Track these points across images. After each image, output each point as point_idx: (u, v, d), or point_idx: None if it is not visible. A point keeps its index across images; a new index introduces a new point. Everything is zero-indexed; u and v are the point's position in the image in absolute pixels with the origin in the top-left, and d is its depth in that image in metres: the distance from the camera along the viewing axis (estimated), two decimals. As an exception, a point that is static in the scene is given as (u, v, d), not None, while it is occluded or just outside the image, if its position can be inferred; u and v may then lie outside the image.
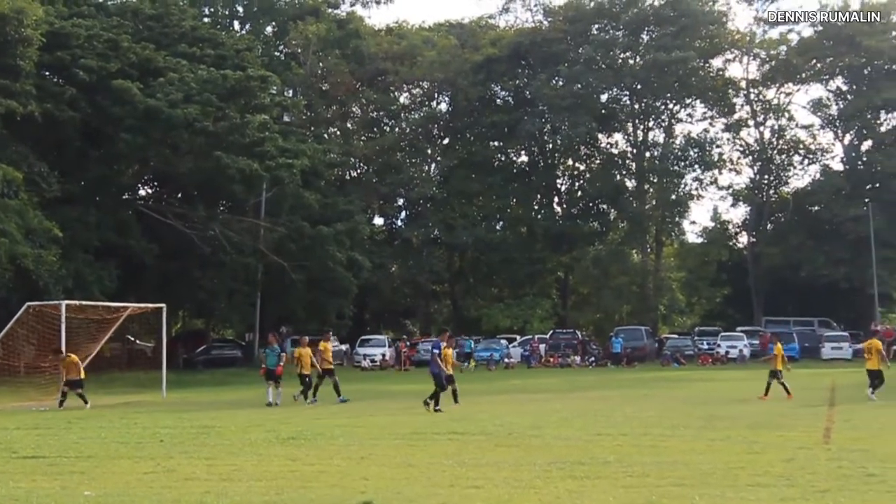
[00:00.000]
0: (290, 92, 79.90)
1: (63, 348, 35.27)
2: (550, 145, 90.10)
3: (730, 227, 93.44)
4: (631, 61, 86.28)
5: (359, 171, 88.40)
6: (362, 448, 18.84)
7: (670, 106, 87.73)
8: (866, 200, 76.26)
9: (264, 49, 77.27)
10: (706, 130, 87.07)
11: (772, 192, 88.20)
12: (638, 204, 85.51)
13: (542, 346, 69.48)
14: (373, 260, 72.48)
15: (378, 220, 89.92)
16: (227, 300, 65.87)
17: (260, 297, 66.31)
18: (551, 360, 67.12)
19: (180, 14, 63.73)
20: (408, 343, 70.72)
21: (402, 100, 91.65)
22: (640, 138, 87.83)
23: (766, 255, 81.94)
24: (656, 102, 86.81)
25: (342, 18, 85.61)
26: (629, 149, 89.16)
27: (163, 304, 42.95)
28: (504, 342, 72.12)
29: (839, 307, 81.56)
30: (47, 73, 55.30)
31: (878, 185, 78.78)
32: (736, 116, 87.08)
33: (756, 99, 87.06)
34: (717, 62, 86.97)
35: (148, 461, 17.33)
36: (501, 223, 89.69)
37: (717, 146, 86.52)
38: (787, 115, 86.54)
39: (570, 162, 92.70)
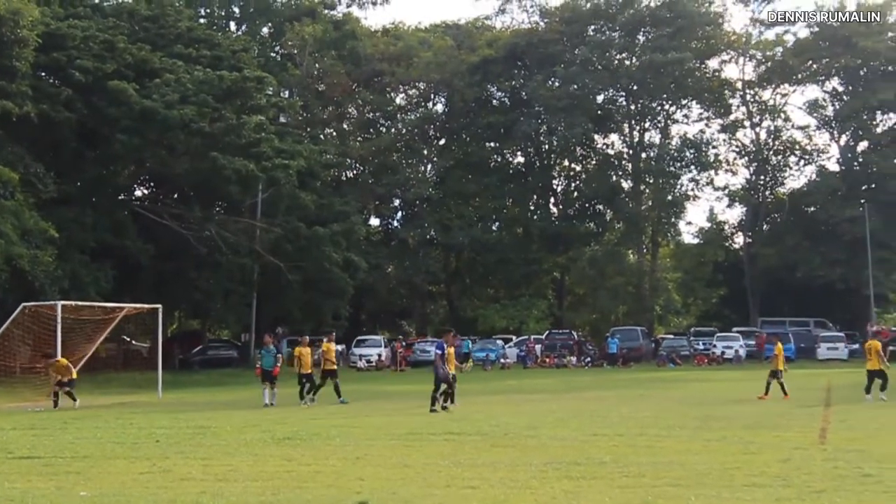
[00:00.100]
0: (287, 93, 79.92)
1: (59, 351, 35.27)
2: (546, 146, 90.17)
3: (726, 227, 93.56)
4: (627, 62, 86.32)
5: (355, 171, 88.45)
6: (358, 448, 18.84)
7: (666, 107, 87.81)
8: (862, 201, 76.39)
9: (260, 50, 77.31)
10: (702, 131, 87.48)
11: (768, 192, 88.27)
12: (634, 205, 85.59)
13: (538, 347, 69.52)
14: (369, 260, 72.51)
15: (374, 221, 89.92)
16: (223, 301, 65.85)
17: (256, 297, 66.29)
18: (547, 360, 67.16)
19: (176, 15, 63.70)
20: (404, 343, 70.80)
21: (398, 101, 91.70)
22: (637, 139, 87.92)
23: (762, 256, 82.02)
24: (652, 103, 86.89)
25: (338, 19, 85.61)
26: (625, 149, 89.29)
27: (159, 305, 42.92)
28: (500, 342, 72.17)
29: (835, 308, 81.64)
30: (43, 74, 55.26)
31: (873, 185, 78.84)
32: (732, 117, 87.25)
33: (752, 100, 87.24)
34: (713, 63, 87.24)
35: (144, 461, 17.32)
36: (497, 224, 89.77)
37: (713, 147, 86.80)
38: (783, 115, 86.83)
39: (566, 163, 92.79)
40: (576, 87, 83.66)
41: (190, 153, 56.94)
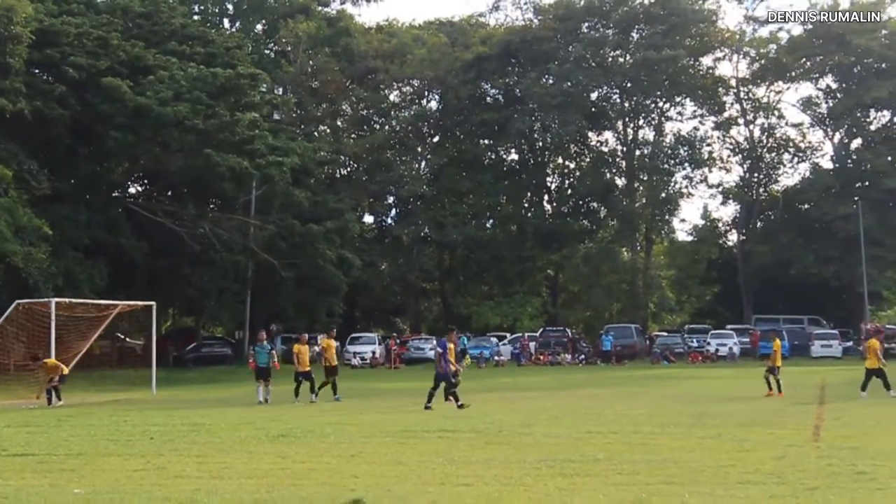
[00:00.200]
0: (280, 90, 79.78)
1: (52, 349, 35.30)
2: (540, 143, 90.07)
3: (720, 225, 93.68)
4: (621, 59, 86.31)
5: (349, 169, 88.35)
6: (353, 446, 18.84)
7: (660, 104, 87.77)
8: (856, 199, 76.43)
9: (254, 47, 77.09)
10: (696, 129, 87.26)
11: (762, 190, 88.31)
12: (628, 202, 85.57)
13: (532, 344, 69.48)
14: (363, 258, 72.43)
15: (368, 218, 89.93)
16: (216, 298, 65.84)
17: (250, 294, 66.27)
18: (541, 357, 67.16)
19: (170, 12, 63.58)
20: (398, 341, 70.74)
21: (392, 98, 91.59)
22: (630, 136, 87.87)
23: (756, 254, 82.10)
24: (646, 101, 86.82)
25: (332, 16, 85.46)
26: (619, 147, 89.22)
27: (153, 302, 42.99)
28: (494, 340, 72.15)
29: (829, 305, 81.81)
30: (37, 71, 55.15)
31: (867, 183, 78.91)
32: (726, 115, 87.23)
33: (746, 97, 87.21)
34: (706, 60, 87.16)
35: (138, 459, 17.31)
36: (491, 221, 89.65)
37: (707, 144, 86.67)
38: (776, 113, 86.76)
39: (560, 160, 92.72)
40: (570, 84, 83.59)
41: (184, 150, 56.89)
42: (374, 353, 67.94)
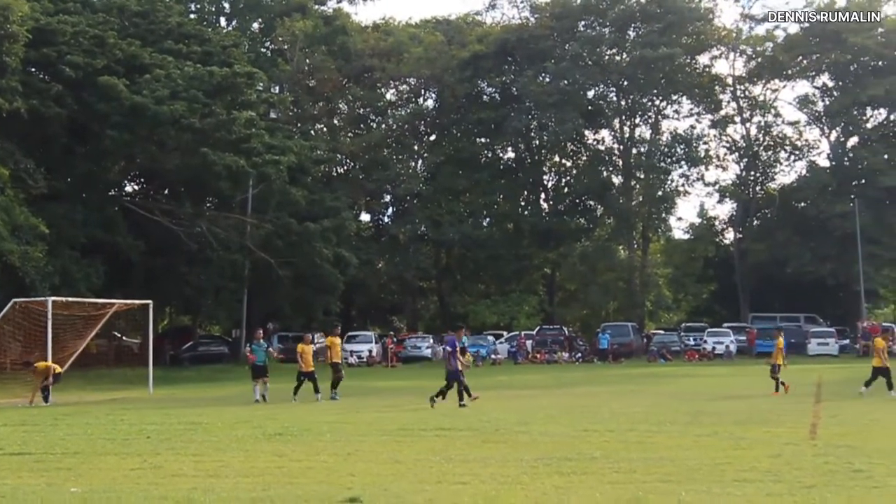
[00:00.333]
0: (277, 88, 79.73)
1: (49, 347, 35.31)
2: (537, 142, 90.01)
3: (716, 223, 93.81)
4: (617, 58, 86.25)
5: (345, 167, 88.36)
6: (349, 444, 18.84)
7: (657, 102, 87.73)
8: (852, 197, 76.45)
9: (251, 45, 77.13)
10: (693, 127, 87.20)
11: (758, 188, 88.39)
12: (624, 200, 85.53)
13: (529, 343, 69.59)
14: (359, 256, 72.37)
15: (365, 217, 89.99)
16: (213, 297, 65.87)
17: (247, 293, 66.25)
18: (538, 356, 67.22)
19: (166, 10, 63.52)
20: (395, 339, 70.82)
21: (388, 96, 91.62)
22: (627, 135, 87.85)
23: (753, 252, 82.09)
24: (643, 99, 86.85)
25: (329, 15, 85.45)
26: (616, 145, 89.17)
27: (149, 301, 43.04)
28: (491, 338, 72.22)
29: (825, 303, 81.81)
30: (33, 70, 55.10)
31: (864, 181, 78.89)
32: (722, 113, 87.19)
33: (742, 95, 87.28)
34: (703, 59, 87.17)
35: (135, 457, 17.31)
36: (488, 220, 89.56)
37: (704, 142, 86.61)
38: (773, 111, 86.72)
39: (556, 158, 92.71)
40: (566, 82, 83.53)
41: (180, 149, 56.84)
42: (370, 351, 67.99)
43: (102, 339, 54.98)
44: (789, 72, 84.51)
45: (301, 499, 12.93)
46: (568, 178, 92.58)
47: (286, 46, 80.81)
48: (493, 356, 67.30)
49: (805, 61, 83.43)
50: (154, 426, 23.30)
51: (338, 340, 33.98)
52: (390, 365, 64.52)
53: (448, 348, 29.18)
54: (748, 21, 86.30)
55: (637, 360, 66.59)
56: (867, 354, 62.82)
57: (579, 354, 68.50)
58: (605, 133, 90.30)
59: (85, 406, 32.20)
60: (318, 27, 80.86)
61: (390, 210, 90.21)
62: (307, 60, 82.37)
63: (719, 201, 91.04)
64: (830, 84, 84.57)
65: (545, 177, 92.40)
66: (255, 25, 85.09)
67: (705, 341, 70.03)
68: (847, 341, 70.20)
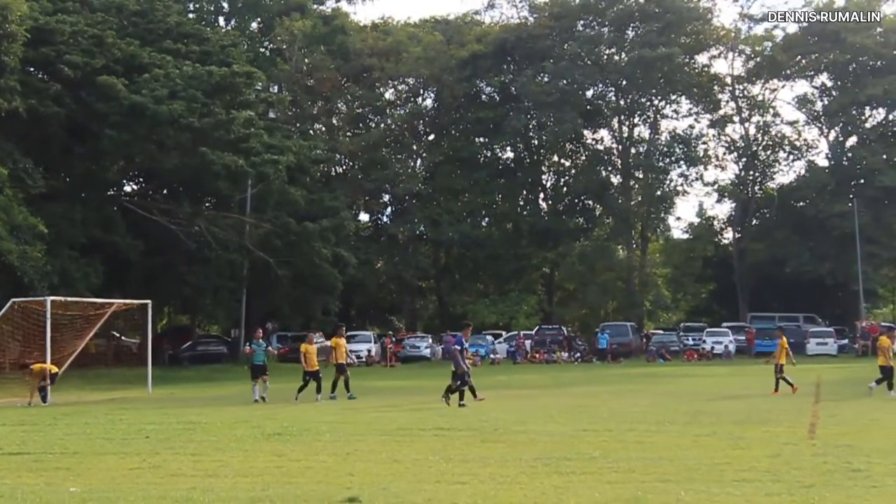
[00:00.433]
0: (276, 88, 79.73)
1: (48, 350, 35.32)
2: (536, 141, 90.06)
3: (715, 223, 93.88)
4: (616, 57, 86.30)
5: (344, 167, 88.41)
6: (348, 444, 18.83)
7: (655, 102, 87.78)
8: (851, 196, 76.56)
9: (249, 45, 77.04)
10: (691, 126, 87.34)
11: (757, 188, 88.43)
12: (623, 200, 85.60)
13: (528, 342, 69.63)
14: (358, 256, 72.35)
15: (364, 217, 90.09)
16: (212, 296, 65.85)
17: (245, 293, 66.26)
18: (537, 356, 67.25)
19: (165, 10, 63.45)
20: (393, 339, 70.82)
21: (387, 96, 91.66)
22: (626, 134, 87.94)
23: (752, 251, 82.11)
24: (641, 98, 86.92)
25: (327, 14, 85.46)
26: (615, 145, 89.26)
27: (148, 301, 43.01)
28: (490, 338, 72.23)
29: (824, 303, 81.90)
30: (32, 69, 55.06)
31: (862, 180, 78.92)
32: (721, 112, 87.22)
33: (741, 95, 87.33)
34: (702, 58, 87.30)
35: (133, 457, 17.31)
36: (487, 219, 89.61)
37: (703, 142, 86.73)
38: (772, 111, 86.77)
39: (555, 158, 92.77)
40: (565, 82, 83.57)
41: (179, 149, 56.80)
42: (369, 351, 67.96)
43: (101, 338, 54.96)
44: (788, 71, 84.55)
45: (300, 498, 12.93)
46: (567, 177, 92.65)
47: (285, 46, 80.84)
48: (491, 356, 67.31)
49: (804, 61, 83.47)
50: (153, 426, 23.30)
51: (343, 341, 33.96)
52: (389, 365, 64.54)
53: (457, 347, 29.15)
54: (747, 21, 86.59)
55: (636, 360, 66.63)
56: (866, 354, 63.10)
57: (578, 354, 68.49)
58: (603, 133, 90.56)
59: (84, 406, 32.21)
60: (316, 27, 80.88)
61: (389, 210, 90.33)
62: (306, 60, 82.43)
63: (718, 201, 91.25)
64: (829, 84, 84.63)
65: (544, 176, 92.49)
66: (254, 25, 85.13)
67: (704, 341, 70.06)
68: (846, 341, 70.24)
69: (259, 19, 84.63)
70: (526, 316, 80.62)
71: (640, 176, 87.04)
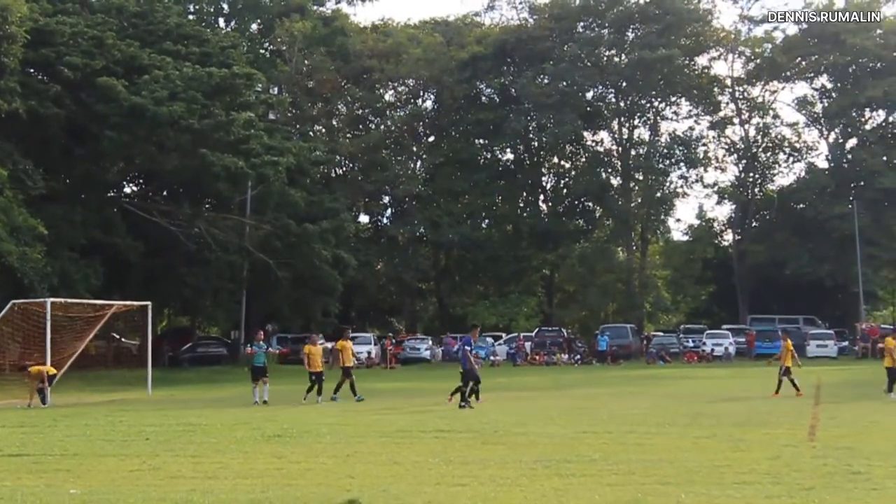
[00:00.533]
0: (276, 89, 79.75)
1: (48, 352, 35.33)
2: (536, 143, 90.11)
3: (715, 224, 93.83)
4: (616, 59, 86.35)
5: (344, 168, 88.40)
6: (348, 446, 18.85)
7: (655, 104, 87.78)
8: (851, 198, 76.58)
9: (249, 46, 77.09)
10: (691, 128, 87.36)
11: (757, 189, 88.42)
12: (623, 202, 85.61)
13: (528, 344, 69.61)
14: (358, 258, 72.31)
15: (363, 218, 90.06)
16: (212, 298, 65.81)
17: (245, 294, 66.24)
18: (537, 357, 67.25)
19: (165, 11, 63.49)
20: (393, 341, 70.80)
21: (387, 97, 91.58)
22: (626, 136, 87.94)
23: (752, 253, 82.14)
24: (641, 100, 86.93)
25: (327, 16, 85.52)
26: (614, 146, 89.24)
27: (148, 302, 43.00)
28: (490, 340, 72.15)
29: (824, 305, 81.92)
30: (32, 71, 55.04)
31: (862, 182, 78.84)
32: (721, 114, 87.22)
33: (741, 97, 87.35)
34: (702, 60, 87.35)
35: (133, 459, 17.32)
36: (487, 221, 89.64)
37: (703, 144, 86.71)
38: (772, 112, 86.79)
39: (555, 160, 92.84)
40: (565, 83, 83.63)
41: (179, 150, 56.77)
42: (369, 353, 67.91)
43: (101, 340, 54.96)
44: (788, 73, 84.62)
45: (300, 500, 12.94)
46: (567, 179, 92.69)
47: (285, 47, 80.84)
48: (491, 358, 67.27)
49: (804, 63, 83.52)
50: (153, 427, 23.31)
51: (349, 345, 33.97)
52: (389, 366, 64.50)
53: (467, 348, 29.21)
54: (747, 22, 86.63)
55: (636, 362, 66.60)
56: (866, 356, 63.15)
57: (578, 356, 68.48)
58: (603, 134, 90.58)
59: (84, 407, 32.21)
60: (316, 28, 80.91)
61: (389, 211, 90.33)
62: (306, 61, 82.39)
63: (718, 203, 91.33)
64: (829, 85, 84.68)
65: (544, 178, 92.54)
66: (254, 26, 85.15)
67: (704, 343, 69.99)
68: (846, 343, 70.25)
69: (259, 21, 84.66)
70: (526, 318, 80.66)
71: (640, 178, 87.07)
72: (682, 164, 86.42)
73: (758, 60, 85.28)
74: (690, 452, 17.19)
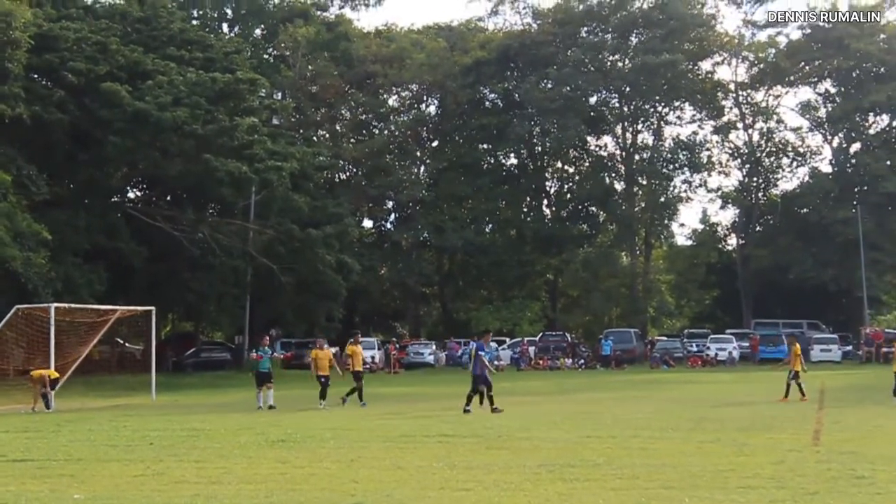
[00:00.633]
0: (279, 95, 79.87)
1: (51, 357, 35.37)
2: (539, 148, 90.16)
3: (719, 229, 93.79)
4: (620, 64, 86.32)
5: (348, 173, 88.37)
6: (352, 451, 18.83)
7: (659, 108, 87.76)
8: (855, 203, 76.59)
9: (253, 52, 77.23)
10: (695, 133, 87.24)
11: (760, 194, 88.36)
12: (627, 206, 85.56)
13: (532, 349, 69.53)
14: (362, 263, 72.28)
15: (367, 223, 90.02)
16: (216, 303, 65.86)
17: (249, 299, 66.30)
18: (541, 362, 67.19)
19: (169, 17, 63.62)
20: (397, 346, 70.75)
21: (391, 102, 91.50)
22: (629, 141, 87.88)
23: (755, 258, 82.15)
24: (645, 105, 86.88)
25: (331, 21, 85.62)
26: (618, 151, 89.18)
27: (152, 307, 43.00)
28: (493, 345, 71.94)
29: (828, 309, 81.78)
30: (36, 76, 55.19)
31: (866, 187, 78.91)
32: (725, 119, 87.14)
33: (745, 101, 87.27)
34: (705, 65, 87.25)
35: (137, 464, 17.31)
36: (491, 226, 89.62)
37: (706, 149, 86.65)
38: (775, 117, 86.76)
39: (559, 164, 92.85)
40: (568, 88, 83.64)
41: (183, 155, 56.88)
42: (373, 357, 67.79)
43: (105, 345, 54.98)
44: (791, 78, 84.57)
45: (304, 505, 12.95)
46: (570, 184, 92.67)
47: (288, 53, 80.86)
48: (495, 362, 67.17)
49: (807, 67, 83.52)
50: (157, 432, 23.30)
51: (359, 349, 34.00)
52: (393, 371, 64.52)
53: (481, 353, 29.27)
54: (750, 27, 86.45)
55: (640, 367, 66.55)
56: (870, 361, 63.11)
57: (582, 361, 68.41)
58: (607, 139, 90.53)
59: (88, 412, 32.22)
60: (320, 33, 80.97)
61: (393, 216, 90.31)
62: (309, 67, 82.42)
63: (722, 207, 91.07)
64: (833, 90, 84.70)
65: (547, 183, 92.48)
66: (258, 32, 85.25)
67: (708, 347, 69.90)
68: (850, 348, 70.16)
69: (262, 26, 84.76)
70: (529, 322, 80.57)
71: (644, 182, 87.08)
72: (685, 168, 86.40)
73: (761, 65, 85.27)
74: (694, 457, 17.17)
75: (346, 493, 13.72)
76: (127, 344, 65.57)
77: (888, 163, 78.07)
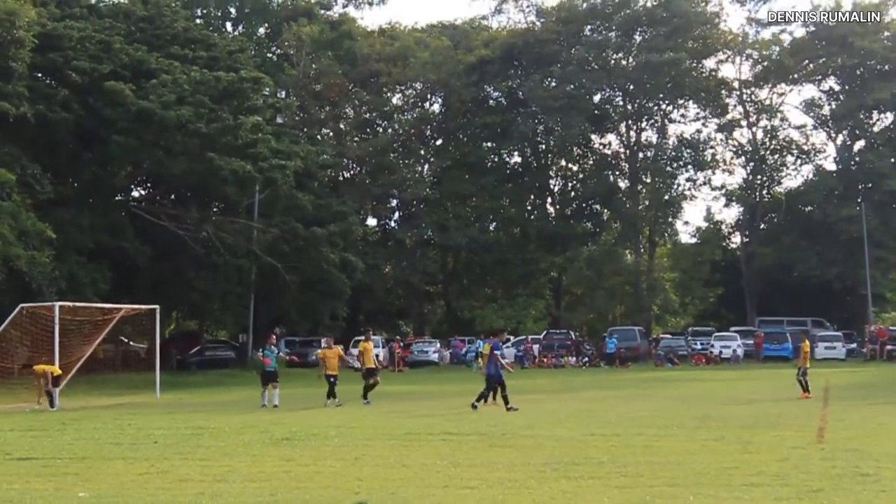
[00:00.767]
0: (283, 93, 79.91)
1: (56, 355, 35.37)
2: (543, 146, 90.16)
3: (723, 227, 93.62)
4: (623, 62, 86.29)
5: (352, 172, 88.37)
6: (356, 449, 18.83)
7: (663, 106, 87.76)
8: (859, 200, 76.57)
9: (257, 50, 77.19)
10: (699, 131, 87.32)
11: (765, 192, 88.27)
12: (631, 204, 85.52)
13: (536, 347, 69.57)
14: (366, 261, 72.40)
15: (371, 221, 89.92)
16: (220, 301, 65.87)
17: (253, 298, 66.24)
18: (545, 360, 67.20)
19: (172, 16, 63.56)
20: (402, 344, 70.74)
21: (394, 101, 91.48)
22: (633, 139, 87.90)
23: (759, 256, 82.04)
24: (649, 103, 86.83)
25: (335, 20, 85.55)
26: (622, 149, 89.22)
27: (156, 306, 43.01)
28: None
29: (832, 307, 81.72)
30: (40, 75, 55.20)
31: (870, 185, 78.81)
32: (729, 117, 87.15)
33: (749, 99, 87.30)
34: (709, 63, 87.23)
35: (142, 462, 17.31)
36: (495, 224, 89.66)
37: (710, 147, 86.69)
38: (779, 115, 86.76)
39: (563, 163, 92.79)
40: (572, 86, 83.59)
41: (187, 154, 56.87)
42: (377, 356, 67.52)
43: (109, 343, 54.90)
44: (795, 76, 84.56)
45: (308, 503, 12.93)
46: (574, 182, 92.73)
47: (292, 51, 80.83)
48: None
49: (811, 65, 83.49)
50: (161, 431, 23.32)
51: (370, 346, 34.06)
52: (397, 369, 64.45)
53: (496, 352, 29.35)
54: (754, 25, 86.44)
55: (644, 365, 66.51)
56: (874, 358, 63.08)
57: (586, 359, 68.44)
58: (611, 137, 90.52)
59: (92, 411, 32.24)
60: (324, 32, 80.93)
61: (397, 214, 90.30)
62: (313, 65, 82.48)
63: (726, 205, 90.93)
64: (837, 88, 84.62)
65: (552, 181, 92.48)
66: (262, 30, 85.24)
67: (712, 345, 69.77)
68: (854, 345, 70.10)
69: (266, 25, 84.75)
70: (534, 320, 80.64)
71: (648, 180, 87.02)
72: (689, 166, 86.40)
73: (765, 63, 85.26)
74: (699, 455, 17.16)
75: (351, 490, 13.73)
76: (131, 342, 65.54)
77: (892, 160, 78.02)
